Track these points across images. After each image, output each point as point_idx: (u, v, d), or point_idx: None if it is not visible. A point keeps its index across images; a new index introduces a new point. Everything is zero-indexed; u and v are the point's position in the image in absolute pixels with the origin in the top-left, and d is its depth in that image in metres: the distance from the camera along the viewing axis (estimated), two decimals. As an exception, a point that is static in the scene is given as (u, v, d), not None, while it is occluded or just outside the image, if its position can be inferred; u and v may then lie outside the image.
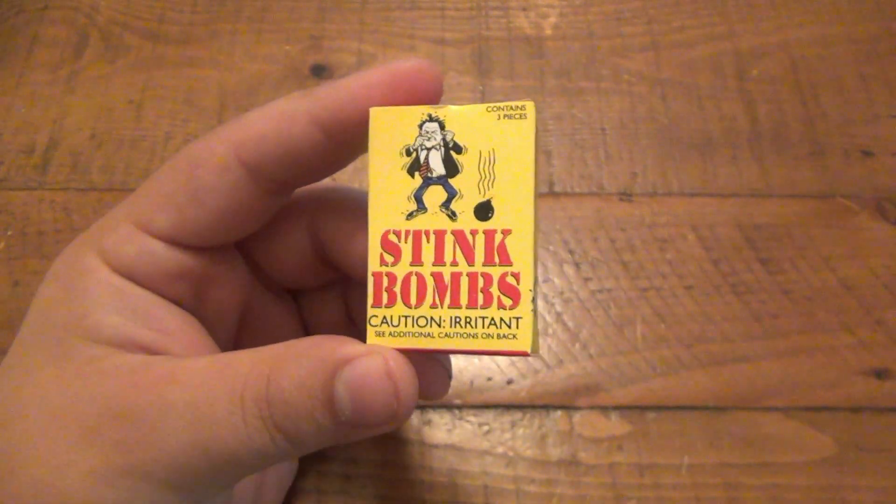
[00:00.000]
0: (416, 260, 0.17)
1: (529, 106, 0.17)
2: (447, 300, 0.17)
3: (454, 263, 0.17)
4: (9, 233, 0.33)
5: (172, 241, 0.19)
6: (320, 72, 0.38)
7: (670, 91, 0.37)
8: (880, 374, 0.30)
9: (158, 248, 0.18)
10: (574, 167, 0.35)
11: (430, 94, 0.18)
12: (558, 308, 0.31)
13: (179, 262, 0.19)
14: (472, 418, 0.29)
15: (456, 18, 0.40)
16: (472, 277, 0.17)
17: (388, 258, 0.17)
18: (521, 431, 0.28)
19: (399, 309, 0.17)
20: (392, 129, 0.17)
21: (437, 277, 0.17)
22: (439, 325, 0.17)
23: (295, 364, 0.16)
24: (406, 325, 0.17)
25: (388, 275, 0.17)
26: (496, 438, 0.28)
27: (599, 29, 0.40)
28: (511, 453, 0.28)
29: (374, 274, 0.18)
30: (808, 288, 0.32)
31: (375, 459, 0.28)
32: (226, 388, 0.16)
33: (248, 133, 0.18)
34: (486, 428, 0.28)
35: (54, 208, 0.34)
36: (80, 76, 0.38)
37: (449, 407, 0.29)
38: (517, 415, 0.29)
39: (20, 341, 0.18)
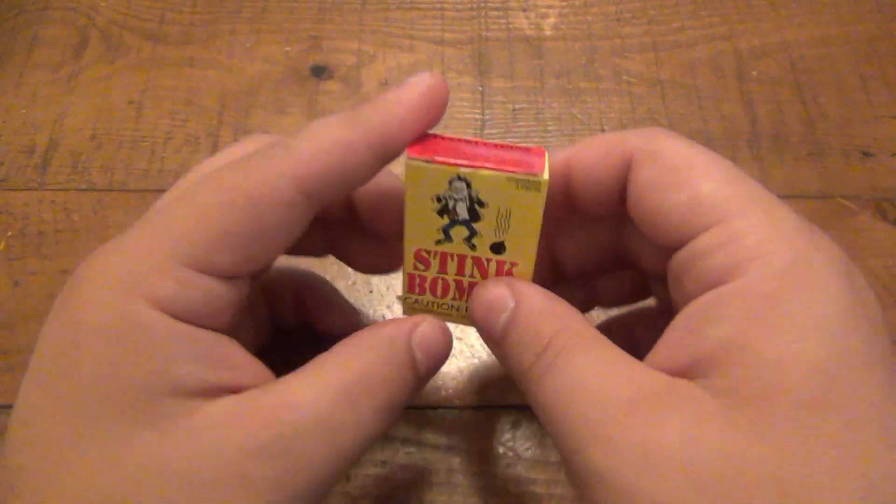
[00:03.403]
0: (443, 270, 0.22)
1: (544, 182, 0.19)
2: (465, 296, 0.22)
3: (472, 276, 0.22)
4: (9, 233, 0.33)
5: (230, 277, 0.19)
6: (320, 72, 0.38)
7: (670, 91, 0.37)
8: (880, 375, 0.30)
9: (218, 287, 0.18)
10: (574, 167, 0.35)
11: (444, 107, 0.19)
12: (558, 308, 0.31)
13: (235, 295, 0.19)
14: (472, 419, 0.29)
15: (455, 19, 0.40)
16: None
17: (420, 266, 0.22)
18: (521, 431, 0.28)
19: (428, 297, 0.22)
20: (425, 181, 0.19)
21: (458, 283, 0.22)
22: (458, 310, 0.23)
23: (376, 354, 0.19)
24: (433, 308, 0.23)
25: (420, 276, 0.22)
26: (496, 438, 0.28)
27: (599, 29, 0.40)
28: (511, 453, 0.28)
29: (408, 274, 0.22)
30: (807, 288, 0.32)
31: (375, 459, 0.28)
32: (338, 396, 0.18)
33: (310, 168, 0.18)
34: (485, 428, 0.28)
35: (54, 209, 0.34)
36: (80, 76, 0.38)
37: (449, 407, 0.29)
38: (517, 415, 0.29)
39: (82, 410, 0.17)
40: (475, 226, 0.20)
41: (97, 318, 0.17)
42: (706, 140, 0.36)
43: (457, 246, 0.21)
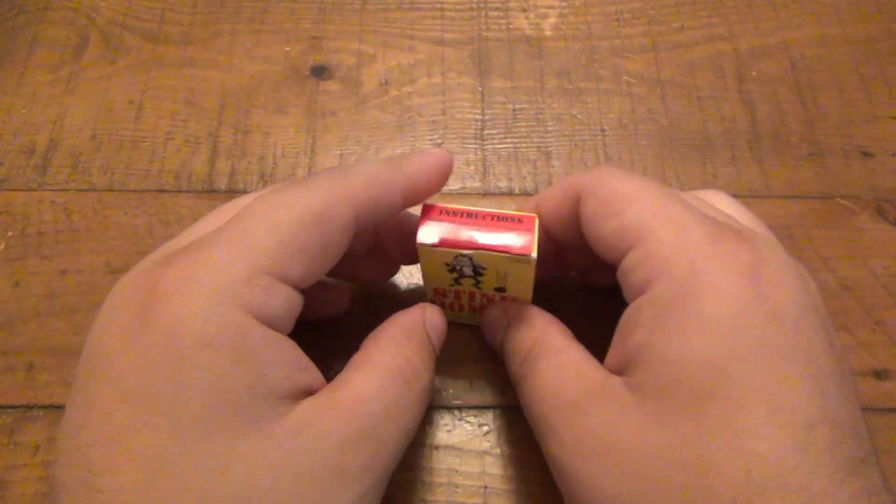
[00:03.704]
0: (457, 298, 0.27)
1: (533, 260, 0.23)
2: (477, 311, 0.28)
3: (482, 302, 0.27)
4: (9, 233, 0.33)
5: (299, 287, 0.21)
6: (320, 72, 0.38)
7: (670, 92, 0.37)
8: (880, 375, 0.30)
9: (294, 296, 0.20)
10: (574, 168, 0.35)
11: (450, 174, 0.24)
12: (558, 308, 0.31)
13: (301, 303, 0.21)
14: (471, 419, 0.29)
15: (455, 19, 0.40)
16: None
17: (439, 297, 0.27)
18: (521, 432, 0.28)
19: (447, 310, 0.26)
20: (435, 257, 0.24)
21: (471, 306, 0.27)
22: (471, 318, 0.28)
23: (410, 341, 0.23)
24: (453, 318, 0.27)
25: (439, 301, 0.27)
26: (496, 439, 0.28)
27: (599, 29, 0.40)
28: (511, 453, 0.28)
29: (430, 300, 0.27)
30: (807, 288, 0.32)
31: (375, 460, 0.28)
32: (396, 384, 0.21)
33: (363, 197, 0.21)
34: (486, 428, 0.28)
35: (54, 209, 0.34)
36: (80, 77, 0.38)
37: (449, 407, 0.29)
38: (517, 415, 0.29)
39: (189, 421, 0.17)
40: (479, 278, 0.25)
41: (199, 329, 0.18)
42: (706, 140, 0.36)
43: (466, 287, 0.26)
